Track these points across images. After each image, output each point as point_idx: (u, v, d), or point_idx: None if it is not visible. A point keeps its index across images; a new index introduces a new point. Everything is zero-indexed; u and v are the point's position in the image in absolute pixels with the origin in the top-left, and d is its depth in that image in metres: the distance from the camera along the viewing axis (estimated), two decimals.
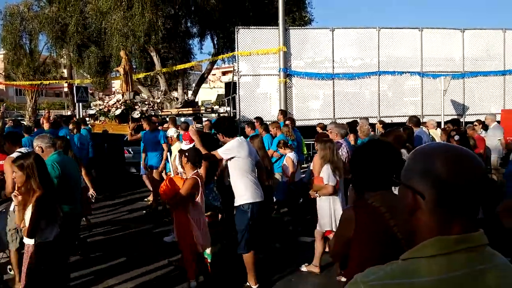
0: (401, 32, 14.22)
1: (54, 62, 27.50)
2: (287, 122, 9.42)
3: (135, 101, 11.86)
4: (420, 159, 1.21)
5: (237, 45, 13.24)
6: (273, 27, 13.78)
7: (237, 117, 13.25)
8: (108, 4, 15.89)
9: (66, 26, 18.91)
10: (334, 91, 13.64)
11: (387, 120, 13.25)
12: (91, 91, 22.16)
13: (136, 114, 11.27)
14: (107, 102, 11.76)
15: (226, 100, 20.47)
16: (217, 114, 17.14)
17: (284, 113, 10.85)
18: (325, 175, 5.31)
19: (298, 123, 12.66)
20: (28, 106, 28.12)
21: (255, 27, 14.18)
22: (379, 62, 13.82)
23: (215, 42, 20.62)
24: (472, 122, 10.60)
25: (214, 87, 49.15)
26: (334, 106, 13.62)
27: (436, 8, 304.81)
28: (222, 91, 36.58)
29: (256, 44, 13.21)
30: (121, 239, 7.06)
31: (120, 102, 11.54)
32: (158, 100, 14.92)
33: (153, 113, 12.04)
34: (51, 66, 27.64)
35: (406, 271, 1.10)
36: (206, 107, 17.84)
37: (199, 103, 29.79)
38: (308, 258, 5.71)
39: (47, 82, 24.62)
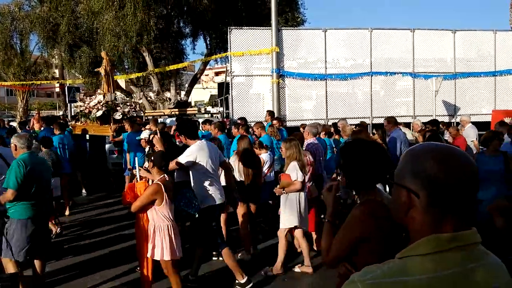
0: (393, 33, 14.30)
1: (46, 62, 27.30)
2: (274, 122, 9.45)
3: (116, 102, 11.76)
4: (411, 159, 1.22)
5: (230, 46, 13.21)
6: (266, 27, 13.77)
7: (230, 117, 13.24)
8: (100, 4, 15.76)
9: (57, 26, 18.73)
10: (326, 91, 13.67)
11: (380, 121, 13.34)
12: (83, 91, 22.04)
13: (117, 116, 11.20)
14: (88, 103, 11.66)
15: (219, 101, 20.45)
16: (210, 114, 17.10)
17: (272, 113, 10.85)
18: (293, 172, 5.39)
19: (291, 124, 12.73)
20: (19, 107, 27.89)
21: (247, 27, 14.17)
22: (371, 63, 13.87)
23: (208, 43, 20.55)
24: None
25: (207, 88, 49.01)
26: (327, 107, 13.64)
27: (428, 8, 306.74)
28: (215, 91, 36.53)
29: (249, 44, 13.19)
30: (108, 238, 7.04)
31: (101, 104, 11.44)
32: (140, 101, 14.76)
33: (135, 114, 11.97)
34: (43, 66, 27.44)
35: (401, 270, 1.12)
36: (199, 108, 17.76)
37: (192, 104, 29.70)
38: (301, 258, 5.73)
39: (38, 82, 24.44)
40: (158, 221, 4.40)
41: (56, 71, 29.88)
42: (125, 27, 15.77)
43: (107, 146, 12.35)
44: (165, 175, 4.52)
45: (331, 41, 13.70)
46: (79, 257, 6.29)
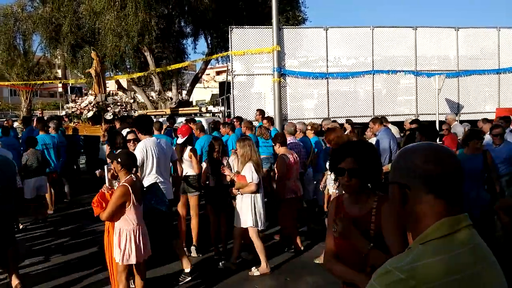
0: (395, 31, 14.17)
1: (48, 63, 27.44)
2: (264, 122, 9.42)
3: (107, 102, 11.80)
4: (405, 157, 1.38)
5: (231, 45, 13.17)
6: (267, 26, 13.70)
7: (231, 116, 13.20)
8: (102, 4, 15.79)
9: (59, 27, 18.77)
10: (328, 90, 13.59)
11: None
12: (85, 91, 22.12)
13: (108, 116, 11.25)
14: (79, 104, 11.70)
15: (220, 100, 20.44)
16: (212, 114, 17.09)
17: (262, 112, 10.80)
18: (248, 173, 5.34)
19: None
20: (23, 107, 28.06)
21: (248, 26, 14.11)
22: (373, 61, 13.77)
23: (209, 42, 20.54)
24: (467, 121, 10.62)
25: (208, 87, 49.11)
26: (328, 105, 13.57)
27: (431, 6, 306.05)
28: (216, 90, 36.55)
29: (250, 43, 13.14)
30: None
31: (92, 104, 11.47)
32: (132, 101, 14.81)
33: (126, 114, 11.97)
34: (45, 66, 27.57)
35: (423, 254, 1.24)
36: (200, 107, 17.76)
37: (194, 103, 29.72)
38: (300, 258, 5.69)
39: (41, 82, 24.53)
40: (124, 224, 4.23)
41: (59, 71, 30.01)
42: (127, 27, 15.81)
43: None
44: (132, 175, 4.34)
45: (332, 40, 13.62)
46: (76, 255, 6.30)
